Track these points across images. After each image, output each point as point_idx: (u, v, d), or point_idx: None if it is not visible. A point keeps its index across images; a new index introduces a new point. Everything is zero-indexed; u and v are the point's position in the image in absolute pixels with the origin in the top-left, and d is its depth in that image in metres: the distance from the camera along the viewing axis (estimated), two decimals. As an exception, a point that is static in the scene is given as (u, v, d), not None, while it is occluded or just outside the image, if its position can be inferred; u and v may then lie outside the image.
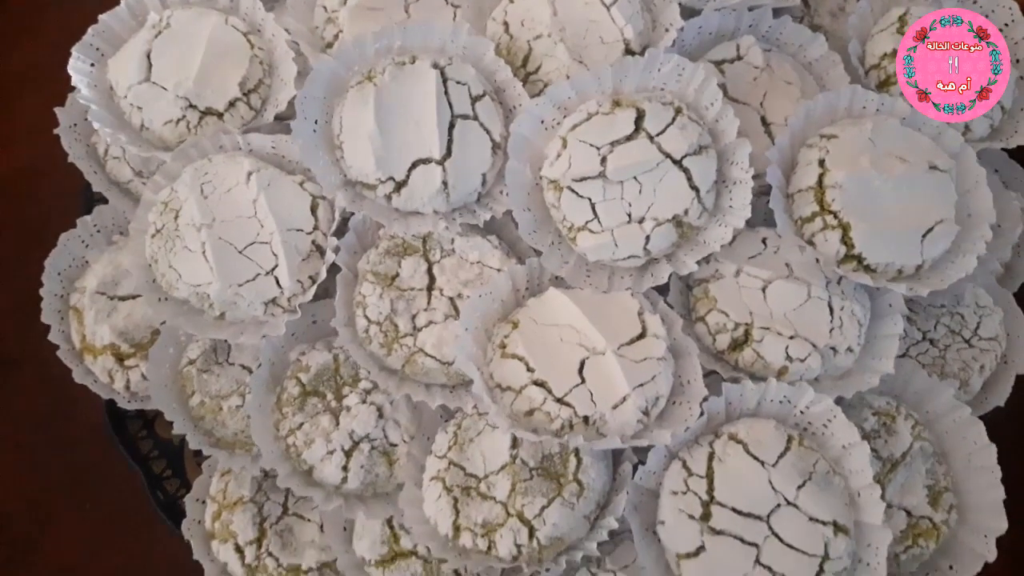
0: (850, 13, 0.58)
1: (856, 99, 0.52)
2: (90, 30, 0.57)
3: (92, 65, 0.57)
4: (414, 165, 0.49)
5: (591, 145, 0.49)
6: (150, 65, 0.55)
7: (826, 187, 0.49)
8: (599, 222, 0.49)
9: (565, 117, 0.51)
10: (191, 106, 0.55)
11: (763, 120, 0.54)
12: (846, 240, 0.49)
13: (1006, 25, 0.59)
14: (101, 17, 0.57)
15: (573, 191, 0.49)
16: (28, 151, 0.76)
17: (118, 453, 0.60)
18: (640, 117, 0.50)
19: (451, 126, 0.49)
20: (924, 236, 0.49)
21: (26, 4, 0.85)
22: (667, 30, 0.55)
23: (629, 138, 0.49)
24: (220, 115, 0.55)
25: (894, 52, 0.55)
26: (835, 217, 0.49)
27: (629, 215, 0.49)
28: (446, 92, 0.49)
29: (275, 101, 0.56)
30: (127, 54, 0.56)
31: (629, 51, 0.54)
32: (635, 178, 0.49)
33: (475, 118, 0.50)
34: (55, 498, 0.65)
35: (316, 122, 0.52)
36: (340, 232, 0.52)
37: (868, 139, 0.50)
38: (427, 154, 0.49)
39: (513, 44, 0.55)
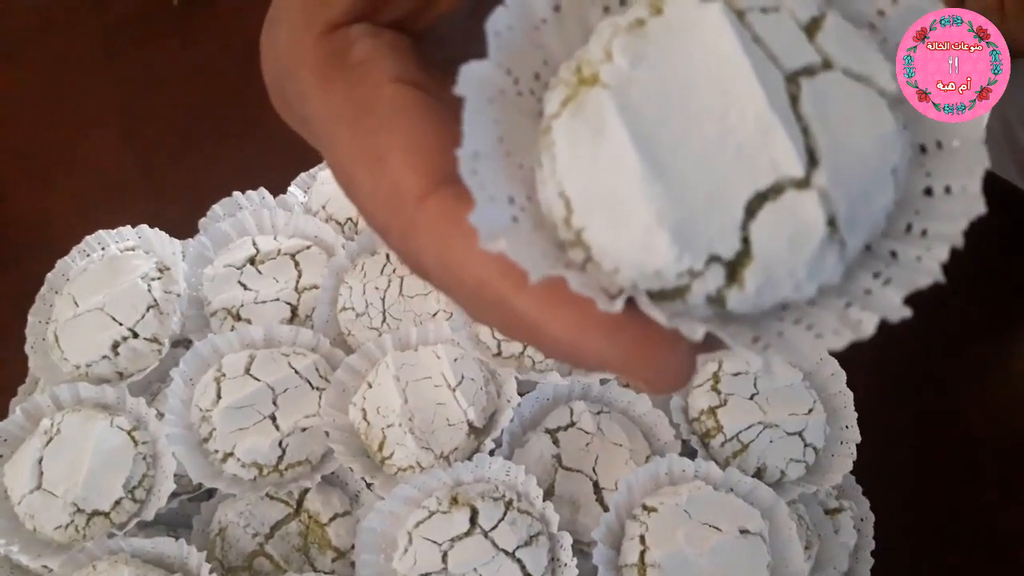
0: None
1: (674, 466, 0.59)
2: (-11, 439, 0.63)
3: (-10, 471, 0.63)
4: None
5: (433, 542, 0.55)
6: (41, 472, 0.61)
7: (647, 565, 0.55)
8: (447, 612, 0.54)
9: (412, 511, 0.57)
10: (79, 510, 0.60)
11: (596, 486, 0.60)
12: (668, 616, 0.54)
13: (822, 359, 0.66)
14: (0, 425, 0.63)
15: (421, 585, 0.55)
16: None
17: None
18: (475, 515, 0.55)
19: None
20: (739, 604, 0.54)
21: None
22: (509, 401, 0.62)
23: (467, 533, 0.55)
24: (107, 514, 0.60)
25: (711, 408, 0.62)
26: (656, 595, 0.54)
27: (473, 605, 0.54)
28: None
29: (158, 493, 0.61)
30: (21, 462, 0.62)
31: (473, 429, 0.61)
32: (475, 569, 0.54)
33: None
34: None
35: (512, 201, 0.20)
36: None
37: (684, 511, 0.56)
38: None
39: (370, 431, 0.61)
